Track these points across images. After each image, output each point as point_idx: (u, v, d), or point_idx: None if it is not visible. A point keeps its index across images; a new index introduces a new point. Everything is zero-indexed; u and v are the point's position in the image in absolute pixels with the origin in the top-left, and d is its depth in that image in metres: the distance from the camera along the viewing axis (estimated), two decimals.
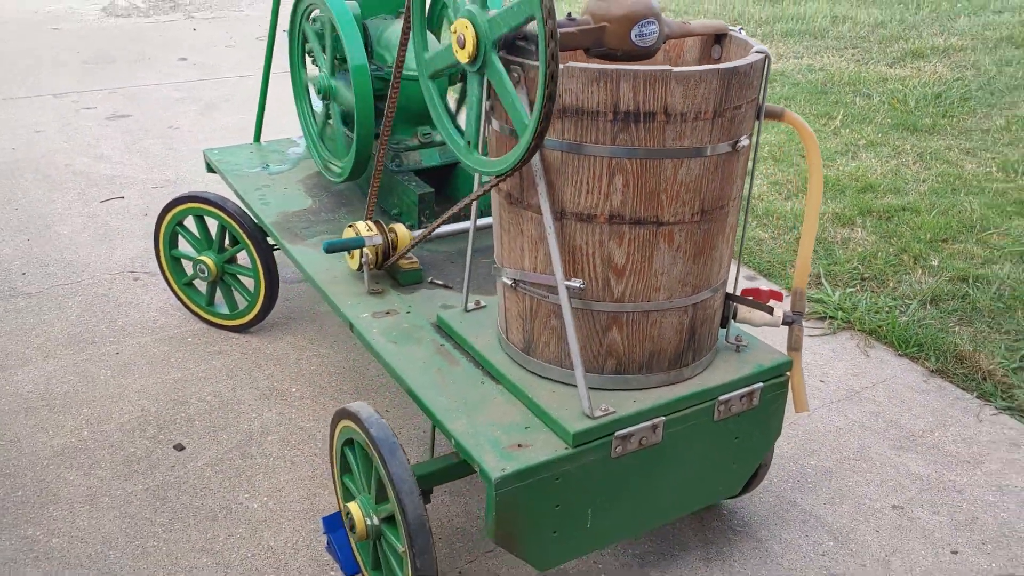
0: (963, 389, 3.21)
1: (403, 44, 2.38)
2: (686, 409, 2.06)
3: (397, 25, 2.99)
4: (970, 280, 3.83)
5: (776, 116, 2.05)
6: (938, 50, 7.39)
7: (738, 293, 2.22)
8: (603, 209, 1.88)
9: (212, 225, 3.38)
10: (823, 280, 3.87)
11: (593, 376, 2.05)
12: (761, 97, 1.97)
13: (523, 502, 1.89)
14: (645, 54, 1.96)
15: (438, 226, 2.31)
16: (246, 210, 3.19)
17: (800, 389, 2.21)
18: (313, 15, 3.00)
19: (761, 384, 2.15)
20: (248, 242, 3.20)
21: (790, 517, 2.60)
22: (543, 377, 2.10)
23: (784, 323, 2.20)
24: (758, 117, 1.99)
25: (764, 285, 3.89)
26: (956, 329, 3.51)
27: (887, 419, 3.04)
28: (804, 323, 3.60)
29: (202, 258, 3.33)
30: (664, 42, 2.03)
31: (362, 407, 2.14)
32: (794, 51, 7.45)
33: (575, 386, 2.03)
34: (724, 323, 2.23)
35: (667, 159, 1.83)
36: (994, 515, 2.63)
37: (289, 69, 3.23)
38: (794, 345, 2.21)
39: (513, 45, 1.87)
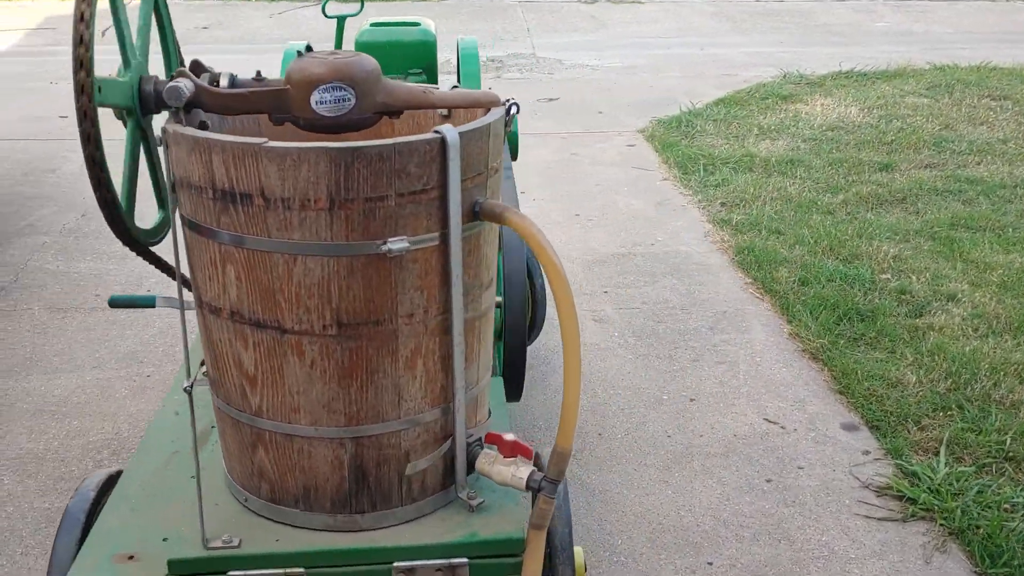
0: None
1: None
2: (346, 566, 1.64)
3: None
4: None
5: (493, 218, 1.56)
6: None
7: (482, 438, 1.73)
8: (224, 303, 1.57)
9: None
10: (940, 447, 2.91)
11: (253, 499, 1.72)
12: (449, 189, 1.51)
13: None
14: (335, 126, 1.61)
15: None
16: None
17: None
18: None
19: (466, 560, 1.65)
20: None
21: None
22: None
23: (528, 488, 1.66)
24: (450, 214, 1.53)
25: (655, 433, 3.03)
26: None
27: None
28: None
29: None
30: (391, 113, 1.66)
31: None
32: None
33: (240, 501, 1.73)
34: (469, 471, 1.74)
35: (276, 252, 1.48)
36: None
37: None
38: (536, 521, 1.66)
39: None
